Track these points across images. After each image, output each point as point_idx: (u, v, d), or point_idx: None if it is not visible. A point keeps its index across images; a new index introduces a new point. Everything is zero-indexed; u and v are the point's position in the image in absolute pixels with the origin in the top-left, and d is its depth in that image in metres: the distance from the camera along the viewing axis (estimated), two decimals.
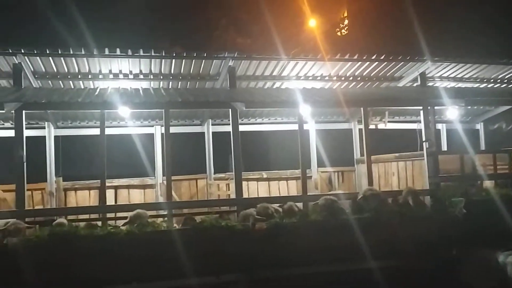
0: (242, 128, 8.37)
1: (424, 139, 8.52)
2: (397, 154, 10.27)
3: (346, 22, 21.69)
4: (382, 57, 9.75)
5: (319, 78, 10.15)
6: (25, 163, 7.20)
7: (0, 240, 6.34)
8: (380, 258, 7.11)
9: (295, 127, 10.97)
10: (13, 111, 7.12)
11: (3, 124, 9.86)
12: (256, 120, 11.22)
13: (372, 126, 10.39)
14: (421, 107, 8.59)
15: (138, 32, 15.03)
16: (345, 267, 7.15)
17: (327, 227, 7.20)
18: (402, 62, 10.07)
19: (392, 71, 10.39)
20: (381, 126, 11.08)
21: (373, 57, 9.72)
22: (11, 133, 9.43)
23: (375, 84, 10.65)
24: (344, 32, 21.61)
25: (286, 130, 11.47)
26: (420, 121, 8.85)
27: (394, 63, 10.04)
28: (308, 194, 8.39)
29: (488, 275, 7.38)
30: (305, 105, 8.19)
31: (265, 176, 11.23)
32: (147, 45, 8.87)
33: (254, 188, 11.08)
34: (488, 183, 8.61)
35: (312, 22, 22.21)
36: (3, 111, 7.09)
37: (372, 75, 10.42)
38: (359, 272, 7.12)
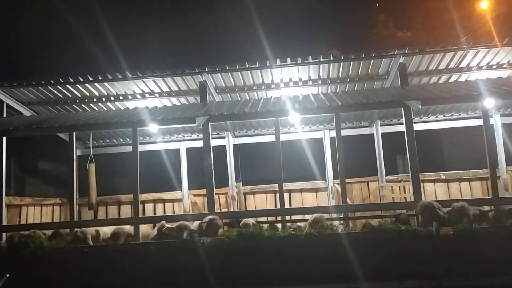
0: (414, 126, 7.90)
1: None
2: None
3: None
4: None
5: (505, 65, 9.01)
6: (213, 170, 7.99)
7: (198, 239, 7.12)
8: None
9: (474, 122, 10.07)
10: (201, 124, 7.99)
11: (190, 136, 11.17)
12: (429, 117, 10.52)
13: None
14: None
15: (300, 40, 15.49)
16: None
17: None
18: None
19: None
20: None
21: None
22: (196, 144, 10.74)
23: None
24: None
25: (464, 127, 10.50)
26: None
27: None
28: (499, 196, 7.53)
29: None
30: (492, 97, 7.35)
31: (443, 177, 10.43)
32: (313, 52, 9.06)
33: (431, 190, 10.39)
34: None
35: (484, 4, 19.93)
36: (195, 124, 8.01)
37: None
38: None
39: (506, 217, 6.87)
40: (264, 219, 8.82)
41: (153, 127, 8.57)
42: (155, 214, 10.74)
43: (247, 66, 8.82)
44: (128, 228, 7.82)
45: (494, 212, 7.13)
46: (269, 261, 6.80)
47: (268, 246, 6.90)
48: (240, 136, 11.03)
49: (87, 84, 9.19)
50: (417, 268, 6.60)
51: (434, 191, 10.37)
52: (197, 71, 8.89)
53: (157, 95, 9.66)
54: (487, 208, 7.27)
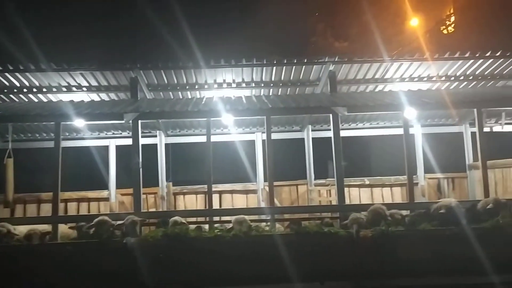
0: (342, 133, 8.22)
1: None
2: None
3: (452, 18, 20.36)
4: (497, 54, 8.95)
5: (425, 79, 9.61)
6: (141, 169, 7.79)
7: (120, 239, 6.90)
8: (502, 271, 6.48)
9: (398, 131, 10.53)
10: (130, 121, 7.77)
11: (120, 134, 10.81)
12: (357, 125, 10.94)
13: (486, 129, 9.58)
14: None
15: (237, 42, 15.58)
16: (460, 280, 6.64)
17: (441, 237, 6.75)
18: None
19: (510, 68, 9.48)
20: (497, 128, 10.16)
21: (487, 54, 8.97)
22: (126, 141, 10.43)
23: (490, 83, 9.81)
24: (450, 30, 20.31)
25: (389, 135, 11.02)
26: None
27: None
28: (415, 201, 8.00)
29: None
30: (411, 108, 7.81)
31: (367, 182, 10.89)
32: (248, 55, 9.14)
33: (356, 195, 10.80)
34: None
35: (414, 21, 21.27)
36: (123, 121, 7.78)
37: (486, 73, 9.61)
38: (478, 287, 6.56)
39: (420, 220, 7.28)
40: (194, 220, 8.74)
41: (78, 122, 8.21)
42: (78, 213, 10.28)
43: (180, 65, 8.72)
44: (45, 227, 7.41)
45: (410, 216, 7.53)
46: (195, 262, 6.73)
47: (194, 247, 6.83)
48: (172, 136, 10.87)
49: (6, 74, 8.62)
50: (338, 269, 6.82)
51: (359, 195, 10.79)
52: (128, 66, 8.65)
53: (84, 89, 9.26)
54: (405, 212, 7.69)
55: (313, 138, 10.59)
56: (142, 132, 8.33)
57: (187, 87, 9.51)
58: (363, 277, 6.88)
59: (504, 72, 9.63)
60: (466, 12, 19.48)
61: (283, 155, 11.23)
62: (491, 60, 9.14)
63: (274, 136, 9.81)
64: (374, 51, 12.30)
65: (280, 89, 9.76)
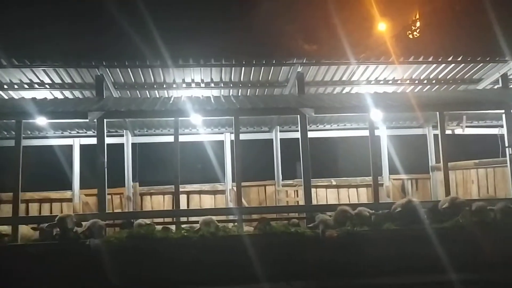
0: (310, 134, 8.31)
1: (507, 144, 7.97)
2: (476, 161, 9.67)
3: (418, 24, 20.94)
4: (459, 59, 9.27)
5: (390, 82, 9.86)
6: (106, 169, 7.63)
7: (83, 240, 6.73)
8: (462, 270, 6.69)
9: (365, 133, 10.79)
10: (95, 120, 7.60)
11: (85, 132, 10.57)
12: (324, 126, 11.09)
13: (448, 132, 9.90)
14: (503, 111, 8.06)
15: (207, 42, 15.50)
16: (423, 279, 6.80)
17: (404, 237, 6.91)
18: (482, 64, 9.52)
19: (471, 73, 9.85)
20: (458, 131, 10.52)
21: (450, 59, 9.28)
22: (91, 140, 10.20)
23: (451, 87, 10.15)
24: (416, 35, 20.88)
25: (356, 136, 11.23)
26: (502, 126, 8.35)
27: (472, 64, 9.53)
28: (380, 202, 8.16)
29: None
30: (377, 110, 7.96)
31: (334, 183, 11.05)
32: (217, 55, 9.11)
33: (323, 195, 10.93)
34: None
35: (382, 26, 21.75)
36: (87, 120, 7.60)
37: (448, 77, 9.95)
38: (439, 285, 6.74)
39: (383, 220, 7.43)
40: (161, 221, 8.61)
41: (41, 120, 7.96)
42: (40, 214, 9.96)
43: (147, 63, 8.60)
44: (4, 229, 7.14)
45: (375, 216, 7.67)
46: (161, 263, 6.64)
47: (160, 248, 6.74)
48: (139, 135, 10.71)
49: None
50: (304, 269, 6.87)
51: (326, 196, 10.93)
52: (93, 64, 8.45)
53: (47, 86, 8.99)
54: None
55: (281, 139, 10.66)
56: (108, 131, 8.16)
57: (154, 86, 9.39)
58: (328, 276, 6.94)
59: (465, 77, 9.99)
60: (431, 18, 20.10)
61: (252, 155, 11.22)
62: (453, 64, 9.45)
63: (243, 136, 9.80)
64: (342, 53, 12.49)
65: (248, 90, 9.79)
